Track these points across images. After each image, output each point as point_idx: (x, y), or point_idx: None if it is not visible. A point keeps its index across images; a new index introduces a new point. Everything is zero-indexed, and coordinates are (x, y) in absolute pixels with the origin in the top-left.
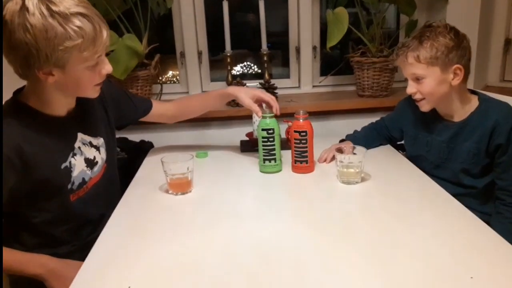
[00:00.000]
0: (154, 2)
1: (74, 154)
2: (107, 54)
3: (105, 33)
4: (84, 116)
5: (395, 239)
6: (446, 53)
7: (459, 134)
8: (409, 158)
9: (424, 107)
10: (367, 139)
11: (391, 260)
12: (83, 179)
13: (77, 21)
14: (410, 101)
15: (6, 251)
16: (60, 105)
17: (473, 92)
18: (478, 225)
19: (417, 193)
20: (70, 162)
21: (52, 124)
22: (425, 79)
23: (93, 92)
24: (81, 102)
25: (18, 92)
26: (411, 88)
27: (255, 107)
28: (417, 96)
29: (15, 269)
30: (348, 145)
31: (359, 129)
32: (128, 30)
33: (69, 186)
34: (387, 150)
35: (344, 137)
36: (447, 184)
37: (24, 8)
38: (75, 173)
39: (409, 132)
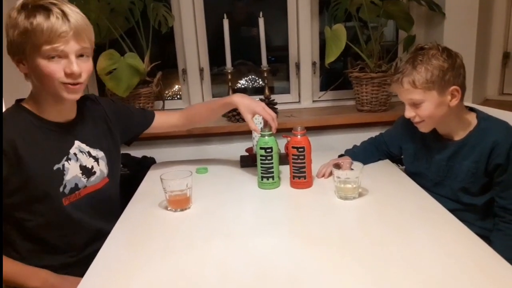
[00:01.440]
0: (156, 20)
1: (69, 159)
2: (109, 73)
3: (64, 27)
4: (84, 127)
5: (392, 255)
6: (442, 75)
7: (458, 153)
8: (408, 175)
9: (424, 129)
10: (366, 154)
11: (388, 276)
12: (76, 184)
13: (37, 12)
14: (409, 120)
15: (8, 262)
16: (54, 110)
17: (471, 109)
18: (475, 241)
19: (415, 209)
20: (63, 165)
21: (49, 128)
22: (423, 103)
23: (62, 91)
24: (82, 114)
25: (20, 101)
26: (409, 112)
27: (252, 125)
28: (417, 119)
29: (15, 281)
30: (345, 161)
31: (358, 143)
32: (131, 49)
33: (61, 189)
34: (385, 165)
35: (343, 152)
36: (446, 200)
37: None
38: (67, 177)
39: (408, 149)
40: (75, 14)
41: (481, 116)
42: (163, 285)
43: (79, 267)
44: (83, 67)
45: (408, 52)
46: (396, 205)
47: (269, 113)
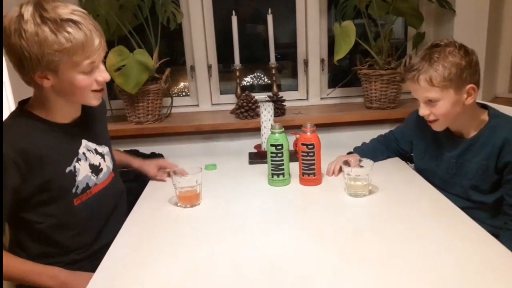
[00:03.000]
0: (164, 17)
1: (79, 159)
2: (118, 69)
3: (97, 40)
4: (89, 125)
5: (402, 253)
6: (459, 73)
7: (468, 150)
8: (418, 171)
9: (437, 127)
10: (374, 152)
11: (398, 275)
12: (87, 184)
13: (67, 27)
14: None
15: (19, 262)
16: (64, 112)
17: (483, 106)
18: (487, 239)
19: (426, 207)
20: (74, 167)
21: (56, 130)
22: (439, 101)
23: (92, 99)
24: (86, 111)
25: (24, 103)
26: (424, 110)
27: (160, 177)
28: (431, 118)
29: (27, 280)
30: (354, 158)
31: (367, 141)
32: (139, 45)
33: (74, 190)
34: (395, 162)
35: (352, 149)
36: (456, 198)
37: (20, 15)
38: (79, 178)
39: (419, 145)
40: (92, 20)
41: (492, 113)
42: (173, 280)
43: (87, 261)
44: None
45: (418, 49)
46: (407, 203)
47: (170, 163)
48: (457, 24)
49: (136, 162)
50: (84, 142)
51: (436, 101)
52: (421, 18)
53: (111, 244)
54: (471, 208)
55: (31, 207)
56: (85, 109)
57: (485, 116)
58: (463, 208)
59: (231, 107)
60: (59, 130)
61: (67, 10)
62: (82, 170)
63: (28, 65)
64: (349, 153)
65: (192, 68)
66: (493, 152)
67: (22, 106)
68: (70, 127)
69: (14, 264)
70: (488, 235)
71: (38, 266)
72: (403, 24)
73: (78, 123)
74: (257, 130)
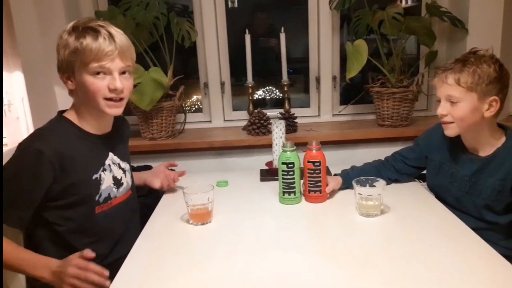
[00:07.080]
0: (179, 35)
1: (104, 169)
2: (134, 86)
3: (110, 47)
4: (117, 141)
5: (414, 275)
6: (487, 82)
7: (483, 169)
8: (431, 189)
9: (451, 131)
10: (361, 176)
11: None
12: (109, 194)
13: (86, 34)
14: (439, 130)
15: (17, 250)
16: (94, 124)
17: (501, 126)
18: (501, 262)
19: (438, 227)
20: (100, 175)
21: (88, 139)
22: (460, 103)
23: (104, 106)
24: (116, 129)
25: (62, 112)
26: (443, 109)
27: (167, 187)
28: (447, 119)
29: (23, 270)
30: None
31: (378, 158)
32: (154, 63)
33: (97, 198)
34: (407, 181)
35: (348, 170)
36: (469, 217)
37: (66, 30)
38: (103, 187)
39: (433, 160)
40: (120, 35)
41: (510, 133)
42: None
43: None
44: (125, 84)
45: (430, 67)
46: (419, 223)
47: (169, 173)
48: (470, 43)
49: (144, 176)
50: (111, 155)
51: (457, 101)
52: (433, 37)
53: (124, 262)
54: (484, 229)
55: (55, 208)
56: (115, 127)
57: (502, 136)
58: (476, 229)
59: (243, 123)
60: (90, 139)
61: (94, 23)
62: (106, 180)
63: (60, 68)
64: (336, 174)
65: (206, 85)
66: (510, 173)
67: (61, 113)
68: (100, 139)
69: (12, 252)
70: (501, 257)
71: (34, 256)
72: (416, 40)
73: (107, 137)
74: (269, 146)
